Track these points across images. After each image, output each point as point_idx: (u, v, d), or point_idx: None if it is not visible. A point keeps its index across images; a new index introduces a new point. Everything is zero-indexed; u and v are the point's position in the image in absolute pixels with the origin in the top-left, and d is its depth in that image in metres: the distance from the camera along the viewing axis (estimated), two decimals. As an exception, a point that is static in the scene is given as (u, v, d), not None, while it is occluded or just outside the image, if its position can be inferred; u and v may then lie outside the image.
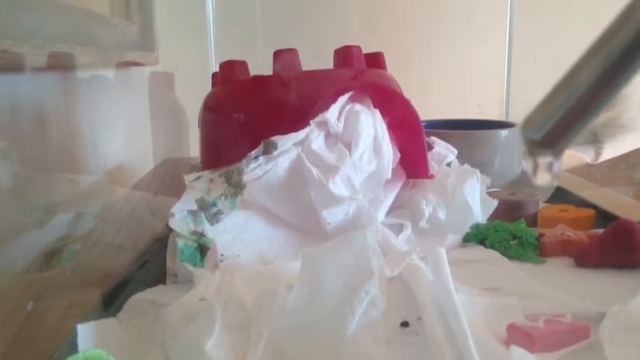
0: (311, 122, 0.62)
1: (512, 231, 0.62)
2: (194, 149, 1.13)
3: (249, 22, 1.43)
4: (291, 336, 0.41)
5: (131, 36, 1.01)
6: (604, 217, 0.70)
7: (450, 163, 0.74)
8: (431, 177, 0.70)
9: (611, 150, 1.67)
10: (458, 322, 0.39)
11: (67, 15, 0.71)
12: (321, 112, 0.63)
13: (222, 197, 0.55)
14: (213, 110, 0.72)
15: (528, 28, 1.53)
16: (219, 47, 1.39)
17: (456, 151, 0.76)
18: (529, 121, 0.35)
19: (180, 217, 0.54)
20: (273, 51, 0.67)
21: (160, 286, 0.54)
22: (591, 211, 0.70)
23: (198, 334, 0.39)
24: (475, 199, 0.67)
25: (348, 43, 0.70)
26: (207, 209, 0.55)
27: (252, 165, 0.58)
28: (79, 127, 0.75)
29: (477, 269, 0.56)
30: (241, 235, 0.58)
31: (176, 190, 0.59)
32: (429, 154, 0.72)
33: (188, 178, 0.56)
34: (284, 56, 0.67)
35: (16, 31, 0.55)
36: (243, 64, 0.73)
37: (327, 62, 0.71)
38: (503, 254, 0.59)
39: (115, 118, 0.91)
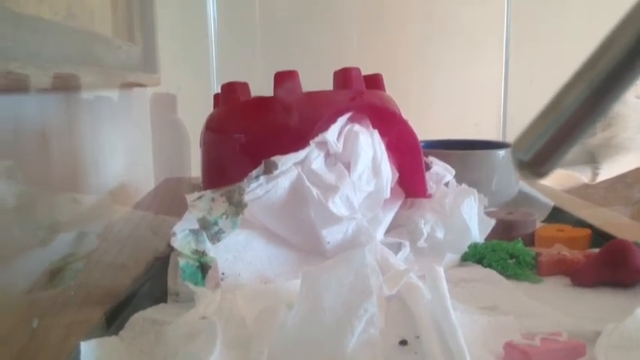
0: (311, 142, 0.63)
1: (509, 250, 0.62)
2: (195, 169, 1.14)
3: (250, 44, 1.45)
4: (291, 354, 0.41)
5: (134, 57, 1.02)
6: (600, 236, 0.70)
7: (448, 182, 0.75)
8: (429, 196, 0.71)
9: (608, 170, 1.67)
10: (456, 340, 0.40)
11: (71, 37, 0.72)
12: (321, 132, 0.63)
13: (224, 216, 0.56)
14: (215, 130, 0.73)
15: (524, 50, 1.55)
16: (221, 69, 1.40)
17: (453, 171, 0.76)
18: (519, 143, 0.36)
19: (182, 236, 0.55)
20: (273, 72, 0.68)
21: (162, 305, 0.54)
22: (587, 231, 0.70)
23: (199, 352, 0.39)
24: (473, 218, 0.68)
25: (347, 64, 0.71)
26: (208, 228, 0.55)
27: (253, 185, 0.58)
28: (81, 147, 0.76)
29: (474, 288, 0.57)
30: (242, 254, 0.59)
31: (177, 209, 0.59)
32: (427, 174, 0.72)
33: (190, 197, 0.56)
34: (284, 78, 0.68)
35: (21, 53, 0.56)
36: (244, 86, 0.74)
37: (326, 82, 0.72)
38: (501, 273, 0.59)
39: (117, 138, 0.92)
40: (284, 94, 0.67)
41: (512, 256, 0.62)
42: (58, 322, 0.51)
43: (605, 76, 0.32)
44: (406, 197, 0.72)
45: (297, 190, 0.60)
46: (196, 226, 0.55)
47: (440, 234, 0.67)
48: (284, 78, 0.68)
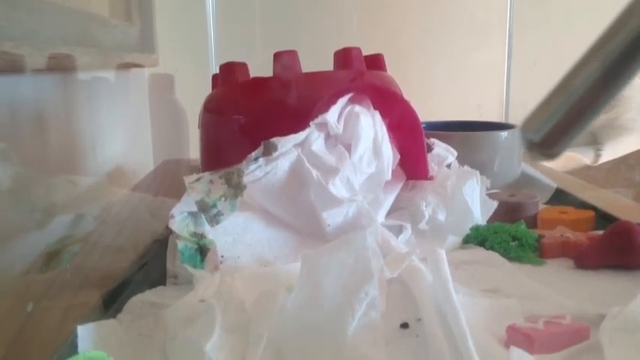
0: (311, 124, 0.62)
1: (512, 232, 0.62)
2: (194, 151, 1.13)
3: (249, 23, 1.43)
4: (291, 337, 0.41)
5: (131, 38, 1.01)
6: (604, 218, 0.70)
7: (450, 164, 0.74)
8: (430, 178, 0.70)
9: (611, 152, 1.67)
10: (458, 323, 0.39)
11: (67, 17, 0.71)
12: (321, 113, 0.63)
13: (223, 199, 0.55)
14: (214, 112, 0.72)
15: (528, 31, 1.53)
16: (219, 49, 1.39)
17: (455, 153, 0.76)
18: (528, 123, 0.35)
19: (181, 218, 0.54)
20: (273, 52, 0.67)
21: (160, 288, 0.54)
22: (591, 213, 0.70)
23: (198, 336, 0.39)
24: (475, 200, 0.67)
25: (348, 45, 0.70)
26: (207, 211, 0.55)
27: (252, 166, 0.58)
28: (78, 128, 0.75)
29: (476, 271, 0.56)
30: (241, 236, 0.58)
31: (176, 191, 0.59)
32: (429, 156, 0.72)
33: (188, 179, 0.56)
34: (284, 58, 0.67)
35: (16, 33, 0.55)
36: (243, 66, 0.73)
37: (326, 63, 0.71)
38: (503, 256, 0.59)
39: (114, 120, 0.91)
40: (283, 75, 0.66)
41: (514, 239, 0.61)
42: (55, 305, 0.50)
43: (619, 54, 0.31)
44: (407, 179, 0.72)
45: (296, 172, 0.60)
46: (195, 208, 0.54)
47: (441, 216, 0.66)
48: (283, 57, 0.67)
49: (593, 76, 0.32)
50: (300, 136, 0.61)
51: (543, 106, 0.34)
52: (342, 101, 0.65)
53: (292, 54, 0.67)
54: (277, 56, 0.67)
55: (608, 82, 0.32)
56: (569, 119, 0.33)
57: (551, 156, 0.35)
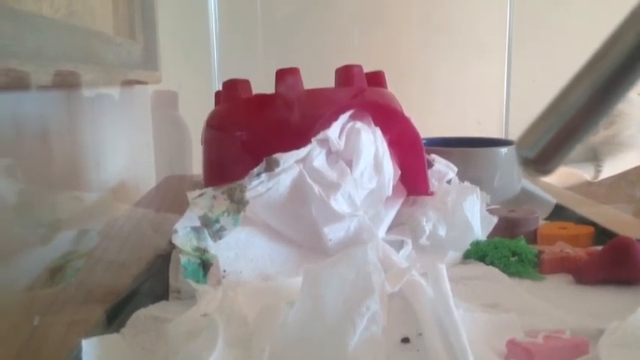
0: (312, 140, 0.63)
1: (511, 248, 0.62)
2: (197, 166, 1.14)
3: (251, 41, 1.45)
4: (293, 352, 0.41)
5: (135, 55, 1.02)
6: (603, 234, 0.70)
7: (450, 180, 0.74)
8: (431, 194, 0.71)
9: (611, 168, 1.67)
10: (458, 338, 0.40)
11: (72, 34, 0.72)
12: (323, 130, 0.63)
13: (225, 214, 0.55)
14: (216, 128, 0.73)
15: (527, 47, 1.54)
16: (222, 66, 1.40)
17: (455, 169, 0.76)
18: (523, 140, 0.36)
19: (184, 233, 0.55)
20: (275, 69, 0.68)
21: (163, 302, 0.54)
22: (590, 229, 0.70)
23: (200, 350, 0.39)
24: (475, 216, 0.68)
25: (349, 61, 0.71)
26: (210, 226, 0.55)
27: (255, 182, 0.58)
28: (82, 144, 0.76)
29: (476, 286, 0.57)
30: (243, 251, 0.58)
31: (179, 207, 0.59)
32: (429, 172, 0.72)
33: (191, 195, 0.56)
34: (286, 75, 0.68)
35: (21, 50, 0.56)
36: (245, 83, 0.74)
37: (327, 79, 0.72)
38: (503, 271, 0.59)
39: (118, 136, 0.92)
40: (285, 92, 0.67)
41: (514, 254, 0.62)
42: (59, 320, 0.51)
43: (609, 74, 0.32)
44: (408, 195, 0.72)
45: (298, 188, 0.60)
46: (198, 223, 0.55)
47: (442, 231, 0.67)
48: (285, 75, 0.67)
49: (585, 94, 0.33)
50: (302, 152, 0.61)
51: (538, 123, 0.35)
52: (344, 118, 0.66)
53: (294, 72, 0.68)
54: (279, 74, 0.68)
55: (599, 100, 0.33)
56: (562, 136, 0.34)
57: (546, 172, 0.36)
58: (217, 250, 0.56)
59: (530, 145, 0.35)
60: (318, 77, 0.70)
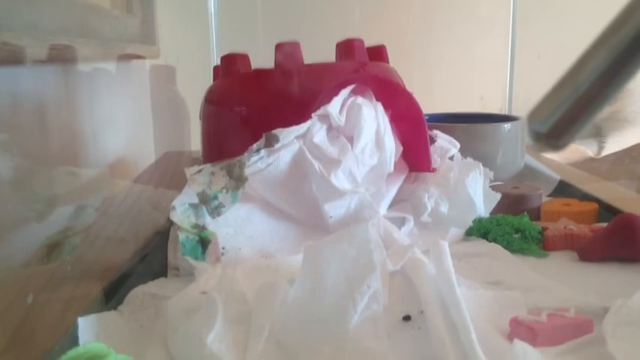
0: (313, 115, 0.62)
1: (515, 225, 0.62)
2: (195, 142, 1.13)
3: (250, 14, 1.43)
4: (293, 330, 0.40)
5: (132, 29, 1.01)
6: (607, 210, 0.70)
7: (453, 156, 0.74)
8: (433, 170, 0.70)
9: (614, 144, 1.66)
10: (460, 315, 0.39)
11: (68, 7, 0.71)
12: (323, 105, 0.62)
13: (224, 190, 0.55)
14: (215, 103, 0.72)
15: (531, 23, 1.52)
16: (221, 40, 1.38)
17: (458, 145, 0.75)
18: (535, 114, 0.35)
19: (182, 210, 0.54)
20: (274, 44, 0.67)
21: (161, 279, 0.54)
22: (594, 205, 0.69)
23: (199, 328, 0.39)
24: (478, 192, 0.67)
25: (350, 36, 0.70)
26: (208, 202, 0.54)
27: (254, 158, 0.57)
28: (79, 119, 0.75)
29: (479, 263, 0.56)
30: (243, 228, 0.58)
31: (177, 183, 0.58)
32: (432, 148, 0.71)
33: (189, 171, 0.56)
34: (286, 49, 0.66)
35: (16, 24, 0.55)
36: (244, 57, 0.73)
37: (328, 55, 0.71)
38: (506, 248, 0.59)
39: (115, 111, 0.91)
40: (285, 65, 0.66)
41: (517, 231, 0.61)
42: (56, 297, 0.50)
43: (626, 45, 0.31)
44: (410, 171, 0.71)
45: (298, 164, 0.60)
46: (196, 200, 0.54)
47: (444, 208, 0.66)
48: (285, 48, 0.66)
49: (600, 67, 0.32)
50: (302, 127, 0.60)
51: (550, 97, 0.34)
52: (345, 93, 0.65)
53: (294, 45, 0.67)
54: (279, 47, 0.67)
55: (615, 73, 0.32)
56: (576, 111, 0.33)
57: (558, 147, 0.35)
58: (216, 227, 0.55)
59: (542, 119, 0.34)
60: (318, 53, 0.69)
